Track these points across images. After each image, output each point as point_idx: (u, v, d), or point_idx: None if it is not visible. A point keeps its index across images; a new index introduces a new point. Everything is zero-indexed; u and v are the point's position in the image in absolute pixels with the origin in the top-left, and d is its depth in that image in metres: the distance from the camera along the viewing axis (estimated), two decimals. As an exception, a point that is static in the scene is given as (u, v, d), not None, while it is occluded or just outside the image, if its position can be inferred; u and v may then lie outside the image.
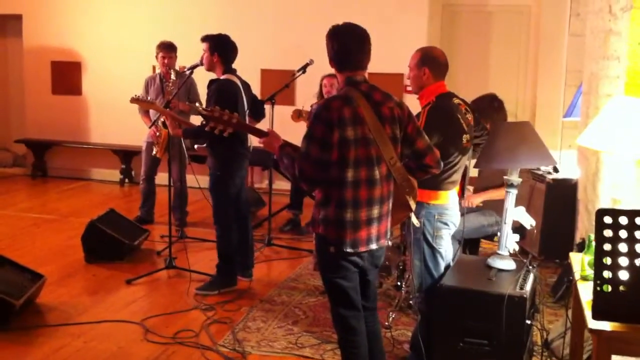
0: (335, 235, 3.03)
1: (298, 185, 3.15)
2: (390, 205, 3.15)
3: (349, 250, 3.03)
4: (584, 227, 4.83)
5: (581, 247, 4.60)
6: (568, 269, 4.66)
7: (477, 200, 4.84)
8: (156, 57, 6.81)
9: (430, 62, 3.64)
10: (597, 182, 4.32)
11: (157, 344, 4.23)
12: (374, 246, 3.10)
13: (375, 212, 3.05)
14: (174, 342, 4.25)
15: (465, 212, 3.94)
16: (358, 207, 3.00)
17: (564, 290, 4.84)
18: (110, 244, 5.77)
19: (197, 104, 4.52)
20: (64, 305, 4.83)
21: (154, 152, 6.53)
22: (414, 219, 3.38)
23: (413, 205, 3.22)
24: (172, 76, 6.48)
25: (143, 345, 4.23)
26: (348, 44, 3.07)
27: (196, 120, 6.08)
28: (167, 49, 6.72)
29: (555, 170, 5.82)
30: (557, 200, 5.72)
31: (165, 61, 6.68)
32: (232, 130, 3.37)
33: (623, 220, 2.25)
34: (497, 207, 4.65)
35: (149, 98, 6.72)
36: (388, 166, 3.05)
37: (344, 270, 3.09)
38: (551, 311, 4.78)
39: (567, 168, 5.98)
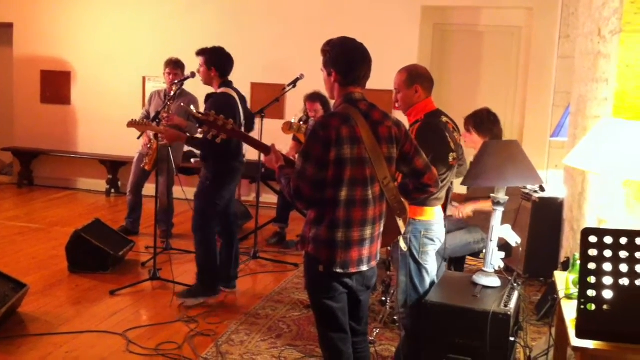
0: (326, 255, 2.95)
1: (293, 204, 3.08)
2: (382, 226, 3.08)
3: (338, 270, 2.96)
4: (569, 246, 4.85)
5: (566, 266, 4.62)
6: (552, 288, 4.67)
7: (467, 209, 4.83)
8: (163, 74, 6.85)
9: (421, 79, 3.67)
10: (583, 201, 4.35)
11: (139, 356, 4.19)
12: (364, 267, 3.02)
13: (368, 232, 2.98)
14: (157, 354, 4.22)
15: (449, 229, 3.95)
16: (350, 227, 2.92)
17: (548, 308, 4.85)
18: (94, 254, 5.73)
19: (191, 107, 4.50)
20: (47, 315, 4.79)
21: (143, 164, 6.51)
22: (402, 243, 3.37)
23: (403, 228, 3.16)
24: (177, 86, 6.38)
25: (125, 356, 4.19)
26: (355, 59, 2.99)
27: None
28: (173, 65, 6.74)
29: (542, 189, 5.86)
30: (543, 219, 5.76)
31: (171, 77, 6.69)
32: (225, 137, 3.31)
33: (608, 239, 2.26)
34: (483, 224, 4.67)
35: (150, 109, 6.74)
36: (381, 186, 2.99)
37: (333, 291, 3.00)
38: (535, 329, 4.80)
39: (554, 187, 6.02)
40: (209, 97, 5.05)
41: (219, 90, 5.07)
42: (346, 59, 2.98)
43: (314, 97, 6.53)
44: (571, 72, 5.70)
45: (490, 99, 8.01)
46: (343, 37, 3.05)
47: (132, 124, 5.79)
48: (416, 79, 3.66)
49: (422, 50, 8.25)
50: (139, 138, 6.35)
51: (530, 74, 7.99)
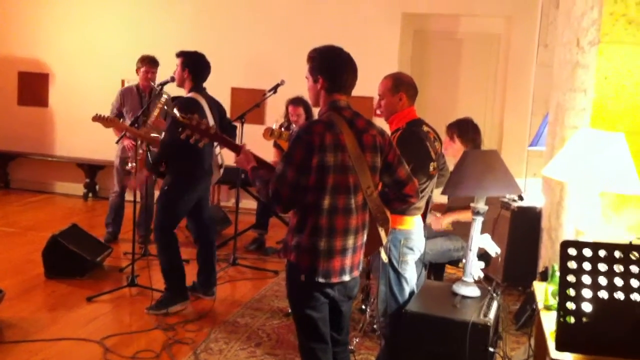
0: (308, 264, 2.93)
1: (268, 207, 3.06)
2: (365, 236, 3.07)
3: (320, 280, 2.93)
4: (547, 256, 4.88)
5: (544, 276, 4.63)
6: (531, 297, 4.70)
7: (446, 220, 4.86)
8: (137, 70, 6.74)
9: (406, 87, 3.69)
10: (561, 211, 4.38)
11: (116, 364, 4.15)
12: (346, 277, 3.00)
13: (351, 242, 2.97)
14: (134, 362, 4.18)
15: (429, 234, 3.96)
16: (333, 235, 2.91)
17: (527, 318, 4.87)
18: (71, 259, 5.66)
19: (175, 110, 4.45)
20: (23, 321, 4.72)
21: (128, 167, 6.35)
22: (382, 254, 3.36)
23: (384, 239, 3.14)
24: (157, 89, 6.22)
25: (102, 364, 4.15)
26: (342, 66, 2.99)
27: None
28: (151, 64, 6.67)
29: (520, 198, 5.89)
30: (522, 228, 5.78)
31: (149, 75, 6.63)
32: (207, 141, 3.30)
33: (587, 252, 2.28)
34: (463, 232, 4.69)
35: (124, 110, 6.65)
36: (364, 195, 2.98)
37: (314, 301, 2.98)
38: (514, 338, 4.81)
39: (532, 196, 6.05)
40: (174, 99, 5.03)
41: (187, 95, 5.03)
42: (334, 66, 2.99)
43: (297, 102, 6.50)
44: (550, 80, 5.74)
45: (469, 106, 8.08)
46: (330, 45, 3.05)
47: (97, 118, 5.74)
48: (401, 86, 3.68)
49: (402, 56, 8.28)
50: (117, 142, 6.30)
51: (509, 81, 8.06)
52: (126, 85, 7.01)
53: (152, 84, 6.43)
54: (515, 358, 4.29)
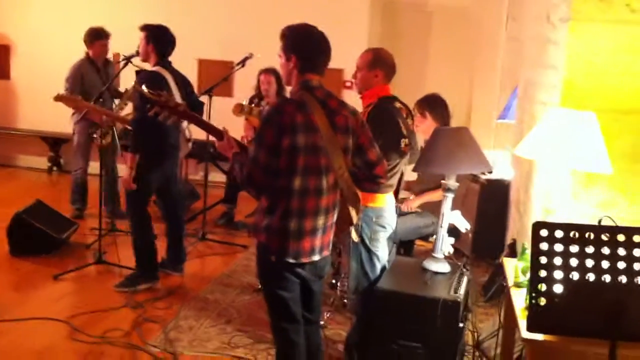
0: (278, 245, 2.91)
1: (245, 191, 3.01)
2: (335, 216, 3.06)
3: (290, 260, 2.92)
4: (515, 228, 4.92)
5: (512, 248, 4.70)
6: (499, 269, 4.75)
7: (415, 204, 4.89)
8: (90, 44, 6.62)
9: (383, 64, 3.67)
10: (530, 185, 4.41)
11: (84, 344, 4.09)
12: (316, 257, 2.99)
13: (321, 222, 2.96)
14: (103, 341, 4.13)
15: (401, 213, 3.97)
16: (303, 217, 2.89)
17: (495, 290, 4.93)
18: (37, 237, 5.57)
19: (143, 87, 4.33)
20: (-13, 301, 4.64)
21: (95, 136, 5.91)
22: (353, 234, 3.35)
23: (355, 219, 3.13)
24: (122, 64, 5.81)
25: (70, 344, 4.09)
26: (315, 46, 2.95)
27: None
28: (107, 36, 6.63)
29: (489, 171, 5.92)
30: (490, 201, 5.83)
31: (106, 48, 6.58)
32: (177, 119, 3.26)
33: (559, 233, 2.28)
34: (433, 208, 4.71)
35: (81, 85, 6.50)
36: (336, 176, 2.96)
37: (285, 281, 2.98)
38: (482, 310, 4.87)
39: (500, 168, 6.08)
40: (137, 73, 4.93)
41: (151, 69, 4.93)
42: (308, 46, 2.94)
43: (269, 70, 6.48)
44: (518, 54, 5.74)
45: (439, 78, 8.07)
46: (304, 23, 3.00)
47: (60, 98, 5.62)
48: (380, 64, 3.66)
49: (372, 29, 8.22)
50: (80, 118, 6.18)
51: (478, 54, 8.05)
52: (75, 60, 6.80)
53: (110, 57, 6.37)
54: (484, 330, 4.34)
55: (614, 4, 3.34)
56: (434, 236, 3.88)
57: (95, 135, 5.76)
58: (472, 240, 5.84)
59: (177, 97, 4.90)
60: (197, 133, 5.79)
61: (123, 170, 5.68)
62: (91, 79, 6.56)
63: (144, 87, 3.68)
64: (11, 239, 5.58)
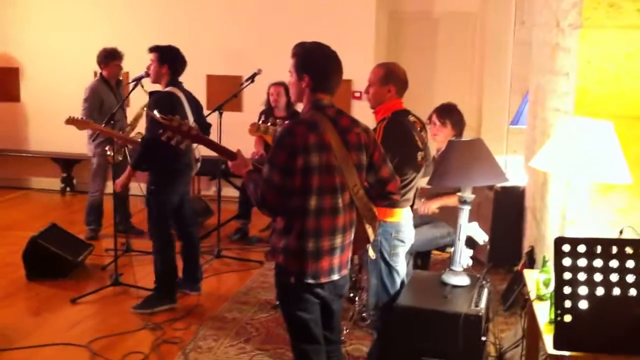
0: (296, 266, 2.90)
1: (260, 211, 2.99)
2: (353, 234, 3.04)
3: (310, 281, 2.91)
4: (532, 235, 4.88)
5: (530, 256, 4.66)
6: (517, 277, 4.71)
7: (433, 205, 4.82)
8: (107, 64, 6.66)
9: (396, 79, 3.66)
10: (545, 192, 4.37)
11: (105, 368, 4.10)
12: (336, 277, 2.97)
13: (338, 241, 2.94)
14: (123, 365, 4.13)
15: (415, 223, 3.94)
16: (320, 236, 2.87)
17: (515, 298, 4.89)
18: (53, 260, 5.57)
19: (155, 112, 4.33)
20: (6, 328, 4.63)
21: (108, 153, 5.82)
22: (370, 251, 3.33)
23: (372, 236, 3.11)
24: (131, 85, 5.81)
25: (91, 369, 4.10)
26: (329, 67, 2.93)
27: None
28: (120, 56, 6.67)
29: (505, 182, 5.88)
30: (505, 208, 5.79)
31: (120, 68, 6.64)
32: (189, 143, 3.25)
33: (581, 248, 2.26)
34: (447, 217, 4.67)
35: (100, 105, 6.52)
36: (351, 194, 2.94)
37: (305, 302, 2.96)
38: (502, 319, 4.82)
39: (513, 174, 6.03)
40: (151, 94, 4.93)
41: (164, 90, 4.91)
42: (322, 66, 2.93)
43: (279, 83, 6.60)
44: (528, 58, 5.71)
45: (448, 86, 8.05)
46: (316, 42, 2.98)
47: (71, 121, 5.65)
48: (392, 79, 3.66)
49: (379, 38, 8.20)
50: (93, 140, 6.20)
51: (487, 60, 8.02)
52: (91, 81, 6.85)
53: (120, 77, 6.42)
54: (505, 340, 4.30)
55: (624, 10, 3.31)
56: (451, 247, 3.85)
57: (109, 152, 5.75)
58: (488, 248, 5.81)
59: (190, 118, 4.92)
60: (205, 150, 5.82)
61: (134, 188, 5.73)
62: (108, 99, 6.60)
63: (155, 112, 3.68)
64: (27, 263, 5.59)
